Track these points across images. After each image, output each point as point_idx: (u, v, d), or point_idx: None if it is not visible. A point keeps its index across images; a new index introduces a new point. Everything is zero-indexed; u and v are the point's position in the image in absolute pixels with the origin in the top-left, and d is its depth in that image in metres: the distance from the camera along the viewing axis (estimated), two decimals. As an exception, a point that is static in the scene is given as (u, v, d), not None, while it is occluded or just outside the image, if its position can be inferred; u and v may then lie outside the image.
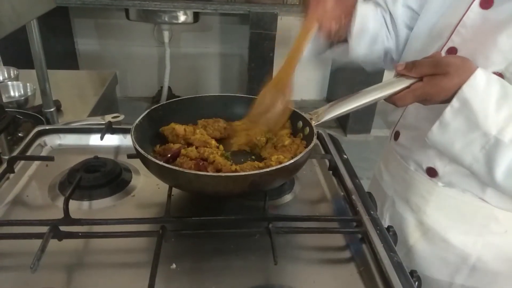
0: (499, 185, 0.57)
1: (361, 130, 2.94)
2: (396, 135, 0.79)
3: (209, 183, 0.56)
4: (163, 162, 0.58)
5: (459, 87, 0.55)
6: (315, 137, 0.63)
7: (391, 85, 0.59)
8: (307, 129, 0.67)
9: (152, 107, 0.71)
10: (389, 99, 0.60)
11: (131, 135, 0.62)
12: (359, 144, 2.83)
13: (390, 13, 0.77)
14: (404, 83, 0.58)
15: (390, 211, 0.83)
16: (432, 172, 0.71)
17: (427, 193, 0.73)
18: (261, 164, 0.63)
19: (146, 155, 0.57)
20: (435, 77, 0.56)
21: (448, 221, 0.73)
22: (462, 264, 0.72)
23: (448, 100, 0.56)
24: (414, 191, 0.76)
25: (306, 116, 0.67)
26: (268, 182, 0.60)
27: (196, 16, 2.57)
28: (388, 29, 0.78)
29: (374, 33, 0.75)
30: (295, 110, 0.70)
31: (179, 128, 0.69)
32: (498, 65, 0.59)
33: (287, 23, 2.58)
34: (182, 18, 2.52)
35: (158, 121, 0.71)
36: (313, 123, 0.65)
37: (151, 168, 0.60)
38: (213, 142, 0.69)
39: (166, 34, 2.69)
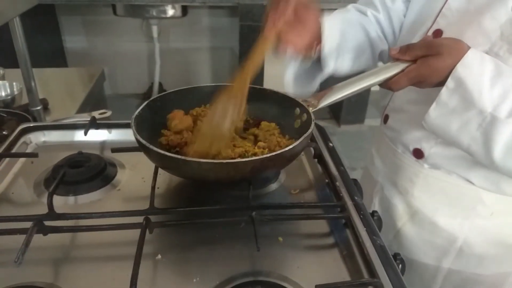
0: (498, 164, 0.57)
1: (355, 120, 2.94)
2: (385, 119, 0.80)
3: (211, 169, 0.56)
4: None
5: (453, 67, 0.55)
6: (313, 122, 0.63)
7: (386, 69, 0.60)
8: (305, 115, 0.68)
9: (151, 98, 0.71)
10: (385, 84, 0.61)
11: (132, 127, 0.62)
12: (353, 135, 2.84)
13: (387, 12, 0.77)
14: (398, 67, 0.59)
15: (379, 196, 0.84)
16: (418, 154, 0.72)
17: (414, 176, 0.74)
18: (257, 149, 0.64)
19: (146, 143, 0.58)
20: (428, 59, 0.56)
21: (435, 204, 0.74)
22: (449, 247, 0.74)
23: (442, 82, 0.57)
24: (402, 174, 0.77)
25: (303, 102, 0.68)
26: (267, 168, 0.61)
27: (184, 9, 2.55)
28: (382, 31, 0.78)
29: (357, 47, 0.74)
30: (292, 97, 0.71)
31: (187, 120, 0.70)
32: (482, 46, 0.59)
33: (276, 14, 2.57)
34: (170, 12, 2.50)
35: (157, 111, 0.71)
36: (311, 109, 0.66)
37: (152, 157, 0.61)
38: None
39: (154, 29, 2.67)
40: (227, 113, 0.63)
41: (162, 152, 0.57)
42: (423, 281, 0.79)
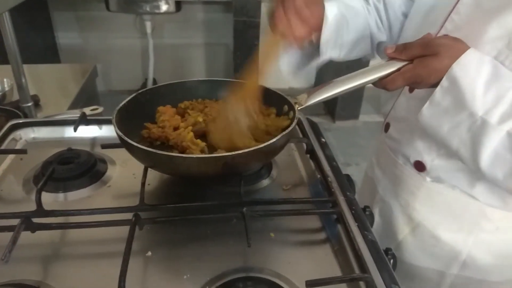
0: (484, 171, 0.55)
1: (349, 116, 2.94)
2: (386, 127, 0.77)
3: (182, 163, 0.56)
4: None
5: (450, 67, 0.53)
6: (294, 121, 0.63)
7: (380, 68, 0.58)
8: (291, 113, 0.67)
9: (140, 91, 0.70)
10: (379, 82, 0.59)
11: (113, 118, 0.61)
12: (347, 131, 2.84)
13: (385, 4, 0.75)
14: (393, 66, 0.57)
15: (380, 206, 0.81)
16: (420, 166, 0.70)
17: (416, 189, 0.72)
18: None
19: (122, 135, 0.57)
20: (425, 58, 0.54)
21: (437, 218, 0.71)
22: (452, 260, 0.71)
23: (439, 83, 0.55)
24: (403, 186, 0.74)
25: (291, 100, 0.67)
26: (242, 165, 0.60)
27: (178, 5, 2.53)
28: (381, 21, 0.76)
29: (356, 35, 0.72)
30: (281, 94, 0.70)
31: (175, 120, 0.70)
32: (488, 53, 0.56)
33: (271, 10, 2.56)
34: (164, 7, 2.48)
35: (145, 105, 0.70)
36: (297, 107, 0.65)
37: (130, 150, 0.60)
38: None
39: (148, 25, 2.65)
40: (244, 109, 0.63)
41: (132, 142, 0.57)
42: None
